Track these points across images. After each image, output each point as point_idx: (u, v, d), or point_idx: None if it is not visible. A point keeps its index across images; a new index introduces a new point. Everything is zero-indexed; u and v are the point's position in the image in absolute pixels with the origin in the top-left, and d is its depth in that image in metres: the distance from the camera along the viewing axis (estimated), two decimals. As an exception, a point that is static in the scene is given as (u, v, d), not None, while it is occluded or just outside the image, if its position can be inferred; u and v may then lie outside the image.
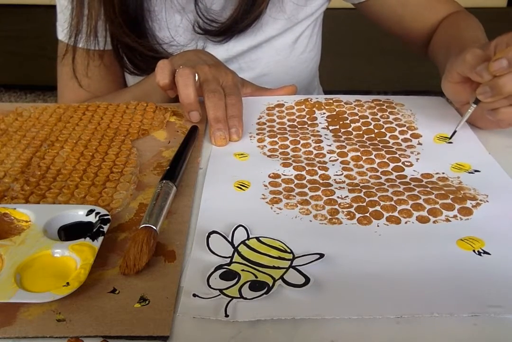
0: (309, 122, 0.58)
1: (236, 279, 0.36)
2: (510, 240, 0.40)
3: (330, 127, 0.57)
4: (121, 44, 0.72)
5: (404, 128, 0.56)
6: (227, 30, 0.72)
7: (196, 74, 0.57)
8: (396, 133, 0.55)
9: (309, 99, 0.62)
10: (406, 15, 0.77)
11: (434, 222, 0.42)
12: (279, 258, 0.38)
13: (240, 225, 0.41)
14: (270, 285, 0.35)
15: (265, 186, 0.47)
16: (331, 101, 0.62)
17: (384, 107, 0.60)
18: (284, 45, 0.77)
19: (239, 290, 0.35)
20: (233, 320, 0.33)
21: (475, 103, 0.50)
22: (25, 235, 0.39)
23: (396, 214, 0.43)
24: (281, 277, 0.36)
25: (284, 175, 0.49)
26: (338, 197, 0.45)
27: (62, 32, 0.74)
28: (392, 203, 0.44)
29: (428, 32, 0.76)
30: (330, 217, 0.43)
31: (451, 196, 0.44)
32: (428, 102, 0.61)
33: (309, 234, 0.41)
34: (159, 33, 0.73)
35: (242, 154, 0.52)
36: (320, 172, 0.49)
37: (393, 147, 0.53)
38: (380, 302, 0.34)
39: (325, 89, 0.94)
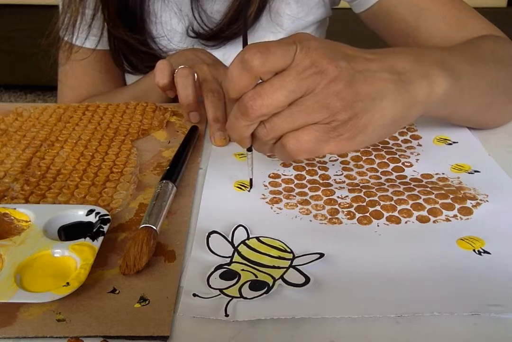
0: (309, 122, 0.58)
1: (236, 278, 0.36)
2: (510, 240, 0.40)
3: (330, 127, 0.57)
4: (117, 40, 0.71)
5: (404, 130, 0.56)
6: (217, 36, 0.71)
7: (195, 74, 0.57)
8: (396, 134, 0.55)
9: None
10: (422, 29, 0.62)
11: (434, 221, 0.42)
12: (279, 257, 0.38)
13: (240, 225, 0.41)
14: (270, 284, 0.35)
15: (265, 186, 0.47)
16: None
17: None
18: None
19: (239, 290, 0.35)
20: (233, 320, 0.33)
21: (249, 151, 0.44)
22: (25, 235, 0.39)
23: (396, 213, 0.43)
24: (281, 277, 0.36)
25: (284, 175, 0.49)
26: (338, 197, 0.45)
27: (63, 30, 0.75)
28: (392, 202, 0.44)
29: None
30: (330, 216, 0.43)
31: (451, 196, 0.44)
32: None
33: (309, 234, 0.41)
34: (156, 33, 0.73)
35: (242, 154, 0.52)
36: (320, 172, 0.49)
37: (393, 148, 0.53)
38: (380, 301, 0.34)
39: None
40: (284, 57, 0.36)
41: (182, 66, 0.57)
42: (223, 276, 0.36)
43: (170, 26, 0.72)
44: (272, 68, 0.36)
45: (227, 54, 0.73)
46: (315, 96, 0.36)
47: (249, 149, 0.44)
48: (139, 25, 0.71)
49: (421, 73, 0.41)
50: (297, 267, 0.37)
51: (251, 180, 0.47)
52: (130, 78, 0.80)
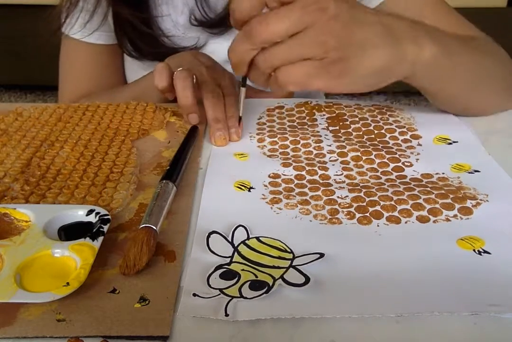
0: (309, 123, 0.58)
1: (236, 278, 0.36)
2: (510, 239, 0.40)
3: (330, 128, 0.57)
4: (123, 21, 0.71)
5: (404, 130, 0.56)
6: (219, 23, 0.71)
7: (194, 76, 0.57)
8: (396, 134, 0.55)
9: (309, 102, 0.63)
10: None
11: (434, 221, 0.42)
12: (279, 257, 0.38)
13: (240, 225, 0.41)
14: (270, 284, 0.35)
15: (265, 186, 0.47)
16: (331, 104, 0.62)
17: (384, 110, 0.60)
18: None
19: (239, 290, 0.35)
20: (233, 320, 0.33)
21: (242, 86, 0.50)
22: (25, 235, 0.39)
23: (396, 213, 0.43)
24: (281, 277, 0.36)
25: (284, 175, 0.49)
26: (338, 197, 0.45)
27: (64, 25, 0.75)
28: (392, 202, 0.44)
29: None
30: (330, 216, 0.43)
31: (451, 196, 0.44)
32: (427, 109, 0.61)
33: (309, 234, 0.41)
34: (160, 14, 0.73)
35: (242, 154, 0.52)
36: (320, 172, 0.49)
37: (393, 148, 0.53)
38: (380, 301, 0.34)
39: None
40: None
41: (181, 68, 0.57)
42: (223, 276, 0.36)
43: (174, 13, 0.72)
44: None
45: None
46: (313, 32, 0.39)
47: (243, 85, 0.49)
48: (143, 6, 0.71)
49: (412, 37, 0.45)
50: (297, 267, 0.37)
51: (240, 117, 0.52)
52: (131, 73, 0.80)
